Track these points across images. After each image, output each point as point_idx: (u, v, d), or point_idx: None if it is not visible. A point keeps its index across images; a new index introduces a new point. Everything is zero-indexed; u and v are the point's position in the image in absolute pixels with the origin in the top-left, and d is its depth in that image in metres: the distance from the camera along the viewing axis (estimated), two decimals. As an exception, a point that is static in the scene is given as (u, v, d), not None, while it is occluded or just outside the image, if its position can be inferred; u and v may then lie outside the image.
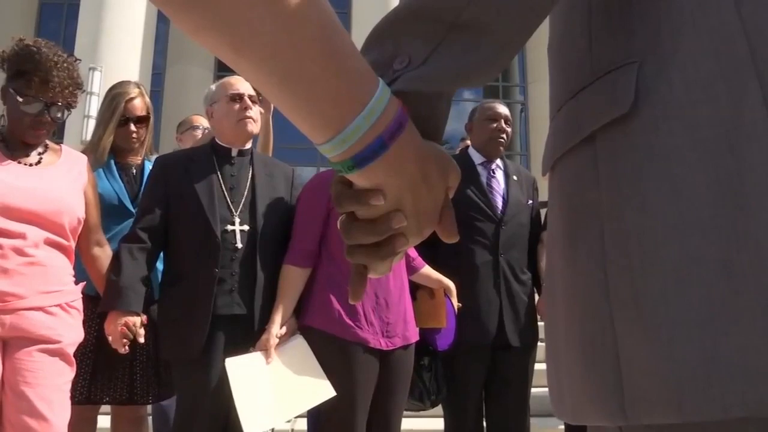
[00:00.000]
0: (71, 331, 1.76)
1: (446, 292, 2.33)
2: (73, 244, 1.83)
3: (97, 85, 7.77)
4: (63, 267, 1.78)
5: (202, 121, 2.99)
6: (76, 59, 1.88)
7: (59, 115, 1.80)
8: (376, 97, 0.43)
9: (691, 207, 0.40)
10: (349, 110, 0.42)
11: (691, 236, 0.40)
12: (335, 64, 0.41)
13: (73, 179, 1.85)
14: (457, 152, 3.33)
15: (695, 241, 0.40)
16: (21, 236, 1.66)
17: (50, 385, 1.67)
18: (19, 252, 1.65)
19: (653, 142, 0.43)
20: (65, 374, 1.73)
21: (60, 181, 1.80)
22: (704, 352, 0.38)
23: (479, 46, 0.48)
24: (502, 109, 2.65)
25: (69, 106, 1.83)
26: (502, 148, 2.61)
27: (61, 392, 1.71)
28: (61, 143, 1.97)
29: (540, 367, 2.42)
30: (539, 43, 0.63)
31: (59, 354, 1.71)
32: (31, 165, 1.78)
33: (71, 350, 1.76)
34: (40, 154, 1.83)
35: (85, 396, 2.06)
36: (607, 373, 0.43)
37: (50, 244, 1.73)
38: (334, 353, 2.00)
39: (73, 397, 2.00)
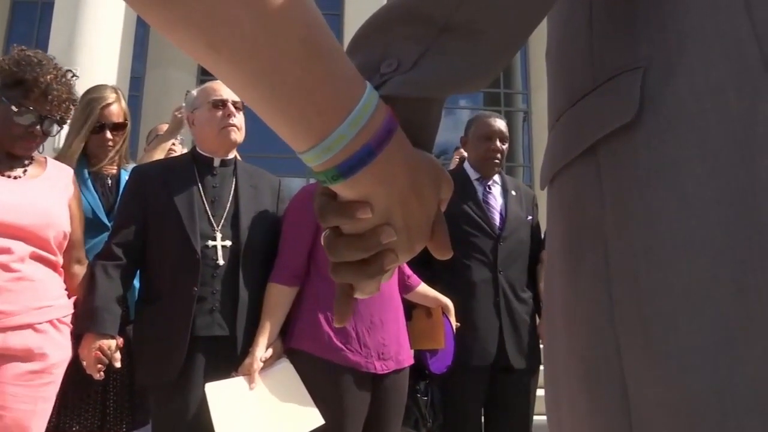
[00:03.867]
0: (59, 350, 1.78)
1: (444, 311, 2.32)
2: (60, 258, 1.85)
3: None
4: (51, 281, 1.80)
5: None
6: (74, 75, 1.92)
7: (51, 129, 1.84)
8: (363, 102, 0.42)
9: (701, 224, 0.40)
10: (334, 116, 0.41)
11: (702, 255, 0.39)
12: (319, 67, 0.40)
13: (59, 192, 1.87)
14: (455, 162, 3.35)
15: (706, 260, 0.39)
16: (7, 251, 1.68)
17: (29, 410, 1.67)
18: (5, 268, 1.67)
19: (660, 154, 0.42)
20: (49, 399, 1.74)
21: (46, 194, 1.82)
22: (718, 381, 0.38)
23: (472, 50, 0.47)
24: (498, 125, 2.67)
25: (62, 121, 1.87)
26: (497, 168, 2.65)
27: (42, 418, 1.72)
28: (46, 156, 1.99)
29: (542, 393, 2.41)
30: (543, 48, 0.62)
31: (44, 375, 1.72)
32: (16, 178, 1.81)
33: (57, 371, 1.77)
34: (25, 166, 1.85)
35: (53, 423, 2.03)
36: (613, 403, 0.43)
37: (36, 258, 1.75)
38: (322, 378, 1.98)
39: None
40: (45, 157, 1.95)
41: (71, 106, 1.88)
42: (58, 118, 1.84)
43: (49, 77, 1.79)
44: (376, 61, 0.48)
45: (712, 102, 0.41)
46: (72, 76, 1.90)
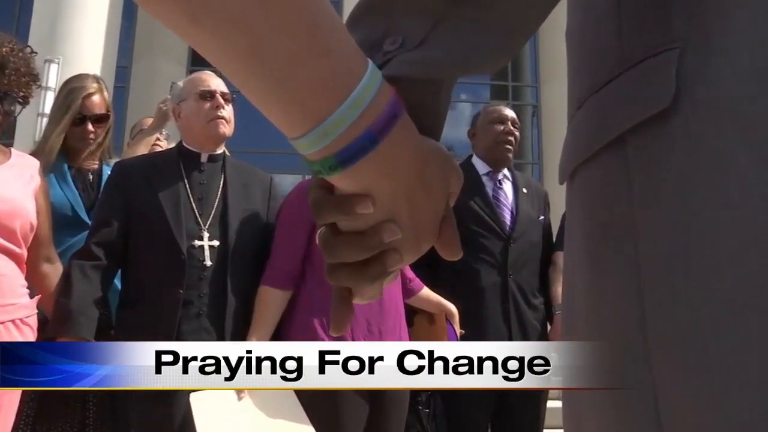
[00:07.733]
0: None
1: (447, 318, 2.31)
2: (25, 252, 1.81)
3: (54, 80, 7.74)
4: (15, 277, 1.76)
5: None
6: (32, 51, 1.88)
7: (13, 108, 1.80)
8: (365, 82, 0.40)
9: (746, 224, 0.37)
10: (333, 96, 0.39)
11: (748, 260, 0.37)
12: (317, 41, 0.38)
13: (25, 183, 1.84)
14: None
15: (753, 265, 0.37)
16: None
17: None
18: None
19: (699, 146, 0.40)
20: (13, 403, 1.71)
21: (10, 181, 1.79)
22: (766, 402, 0.35)
23: (486, 26, 0.45)
24: (509, 112, 2.69)
25: (25, 99, 1.83)
26: (510, 154, 2.62)
27: (7, 425, 1.68)
28: (11, 147, 1.97)
29: (552, 405, 2.39)
30: (553, 38, 0.60)
31: None
32: None
33: None
34: None
35: (30, 434, 2.03)
36: (643, 425, 0.41)
37: (1, 250, 1.72)
38: (316, 390, 1.96)
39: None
40: (10, 148, 1.92)
41: (32, 83, 1.84)
42: (19, 95, 1.80)
43: (4, 50, 1.75)
44: (378, 38, 0.47)
45: (758, 86, 0.39)
46: (30, 52, 1.86)
